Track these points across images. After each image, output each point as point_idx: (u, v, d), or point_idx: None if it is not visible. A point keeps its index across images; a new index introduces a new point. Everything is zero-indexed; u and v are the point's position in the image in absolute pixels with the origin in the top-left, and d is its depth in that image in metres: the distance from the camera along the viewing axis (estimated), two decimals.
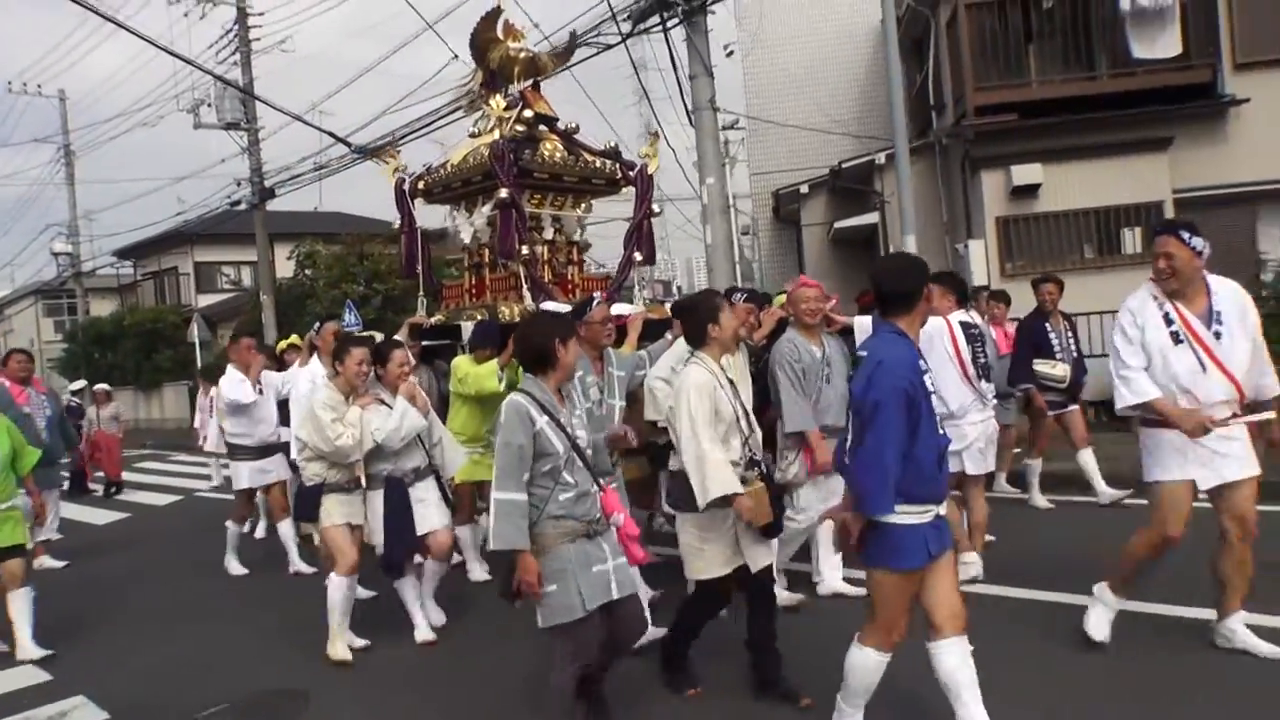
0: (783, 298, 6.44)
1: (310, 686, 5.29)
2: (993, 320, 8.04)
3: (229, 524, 8.34)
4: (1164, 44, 12.60)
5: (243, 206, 22.78)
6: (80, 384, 17.09)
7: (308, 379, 7.18)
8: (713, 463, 4.13)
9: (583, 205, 8.81)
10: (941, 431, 3.55)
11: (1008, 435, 7.96)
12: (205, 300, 31.09)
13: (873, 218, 14.32)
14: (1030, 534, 7.28)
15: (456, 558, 6.66)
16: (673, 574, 5.41)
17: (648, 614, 4.90)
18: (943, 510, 3.55)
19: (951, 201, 14.17)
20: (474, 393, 6.50)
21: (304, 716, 4.93)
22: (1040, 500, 8.09)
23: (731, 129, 21.63)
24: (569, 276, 8.43)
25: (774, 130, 16.65)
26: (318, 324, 8.58)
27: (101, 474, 14.62)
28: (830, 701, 3.86)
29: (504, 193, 7.62)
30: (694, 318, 4.55)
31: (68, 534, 10.73)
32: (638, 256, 8.67)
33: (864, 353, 3.67)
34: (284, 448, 7.80)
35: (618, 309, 6.92)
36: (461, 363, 6.71)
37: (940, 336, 5.66)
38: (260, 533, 9.49)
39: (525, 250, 7.82)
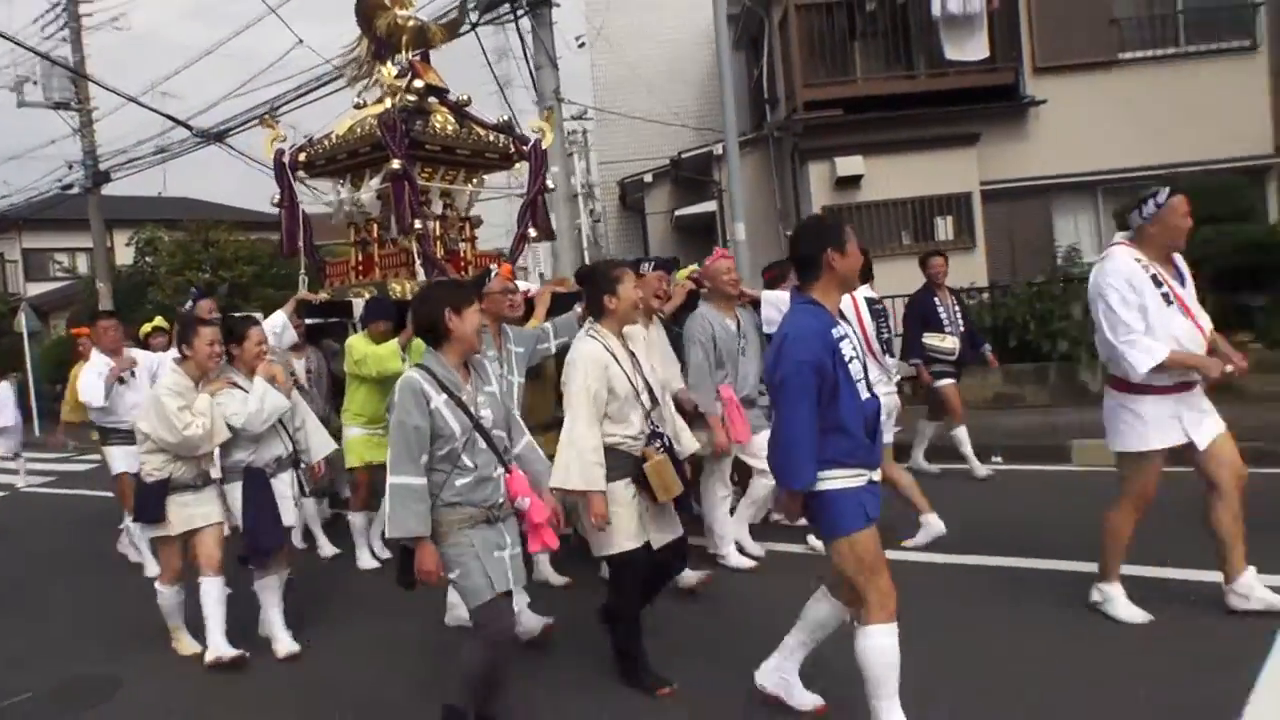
0: (689, 269, 6.46)
1: (124, 674, 5.12)
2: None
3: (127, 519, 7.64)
4: (973, 48, 13.32)
5: (75, 190, 21.82)
6: None
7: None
8: (582, 449, 3.97)
9: (475, 180, 8.65)
10: (869, 396, 3.39)
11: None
12: (35, 289, 29.62)
13: (711, 206, 14.81)
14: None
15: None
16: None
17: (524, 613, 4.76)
18: (877, 476, 3.43)
19: (784, 191, 14.53)
20: (375, 374, 6.25)
21: (110, 703, 4.76)
22: (981, 469, 8.02)
23: (579, 119, 21.78)
24: (461, 252, 8.25)
25: (621, 122, 16.90)
26: (190, 303, 8.12)
27: None
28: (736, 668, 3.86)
29: (396, 164, 7.41)
30: (592, 288, 4.39)
31: None
32: (532, 233, 8.63)
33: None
34: None
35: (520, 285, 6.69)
36: (357, 342, 6.43)
37: (847, 311, 5.38)
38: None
39: (419, 225, 7.61)
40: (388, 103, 7.83)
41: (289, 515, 5.34)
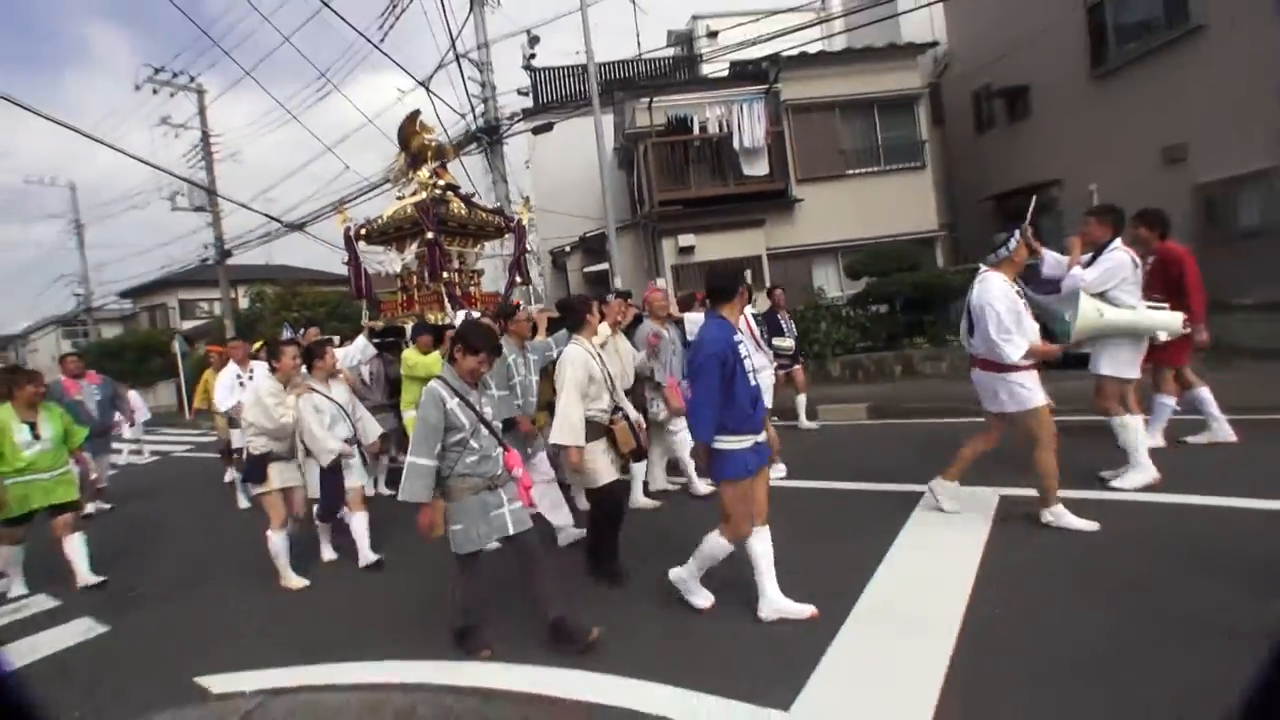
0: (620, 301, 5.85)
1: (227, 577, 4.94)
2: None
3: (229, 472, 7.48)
4: (760, 167, 13.90)
5: (210, 262, 22.05)
6: None
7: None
8: (568, 418, 3.80)
9: (479, 246, 8.61)
10: (754, 384, 3.22)
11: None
12: (186, 325, 29.57)
13: (605, 265, 15.08)
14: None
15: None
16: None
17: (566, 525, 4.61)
18: (761, 438, 3.26)
19: (649, 256, 14.61)
20: (423, 375, 5.81)
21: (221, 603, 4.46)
22: (809, 424, 7.92)
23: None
24: (472, 293, 8.26)
25: (550, 214, 16.66)
26: (285, 333, 7.98)
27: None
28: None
29: (430, 235, 7.50)
30: (573, 313, 4.24)
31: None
32: (518, 279, 8.73)
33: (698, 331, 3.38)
34: None
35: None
36: (409, 354, 6.07)
37: (741, 321, 5.12)
38: (229, 476, 8.25)
39: (445, 275, 7.72)
40: (423, 195, 7.82)
41: (359, 476, 5.08)
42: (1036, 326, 4.05)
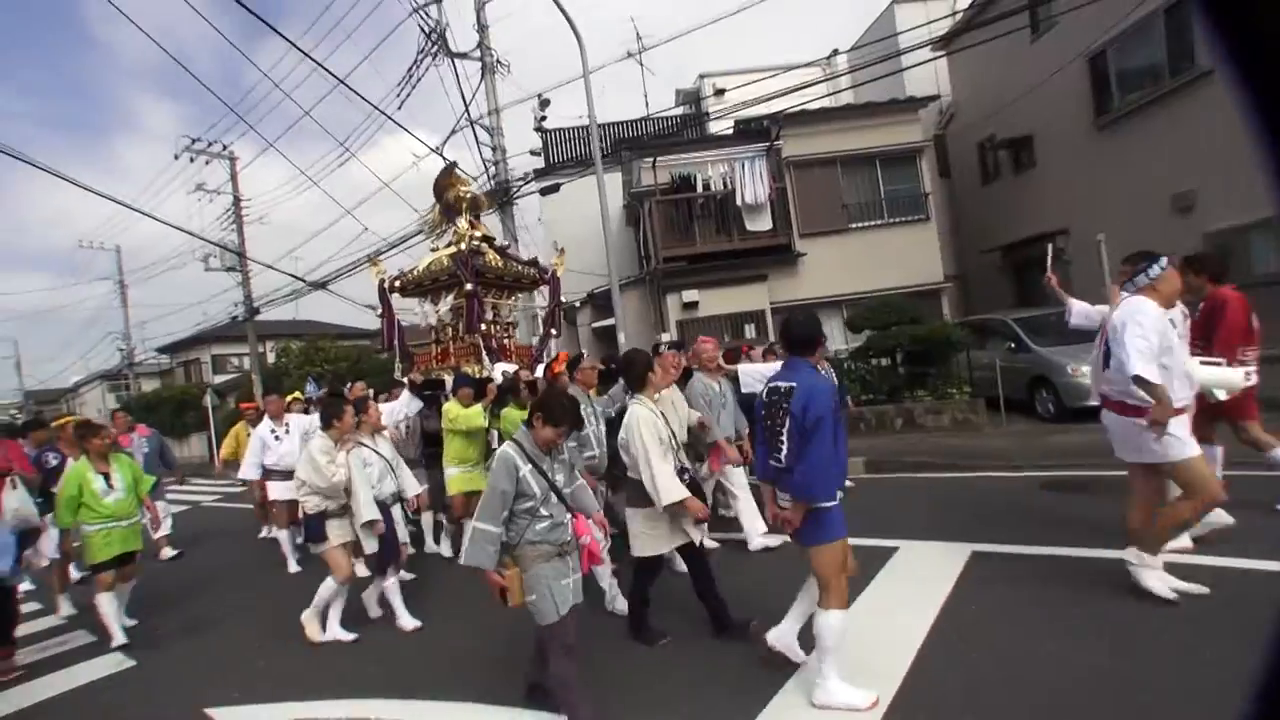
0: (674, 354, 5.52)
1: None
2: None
3: (276, 531, 7.21)
4: (763, 222, 13.94)
5: (240, 319, 22.68)
6: None
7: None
8: (665, 475, 3.64)
9: (514, 298, 8.46)
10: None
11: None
12: (218, 379, 30.43)
13: (613, 320, 15.25)
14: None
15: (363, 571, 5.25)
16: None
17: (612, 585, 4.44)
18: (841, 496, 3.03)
19: (654, 310, 14.51)
20: (465, 429, 5.76)
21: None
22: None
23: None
24: (506, 345, 8.01)
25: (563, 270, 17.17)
26: (311, 386, 8.15)
27: None
28: (769, 615, 3.45)
29: (469, 286, 7.29)
30: (633, 370, 4.00)
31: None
32: (554, 332, 8.49)
33: (792, 383, 2.93)
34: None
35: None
36: (452, 407, 5.89)
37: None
38: (264, 533, 8.42)
39: (482, 327, 7.47)
40: (460, 246, 7.58)
41: (402, 532, 5.01)
42: (1188, 367, 3.60)
